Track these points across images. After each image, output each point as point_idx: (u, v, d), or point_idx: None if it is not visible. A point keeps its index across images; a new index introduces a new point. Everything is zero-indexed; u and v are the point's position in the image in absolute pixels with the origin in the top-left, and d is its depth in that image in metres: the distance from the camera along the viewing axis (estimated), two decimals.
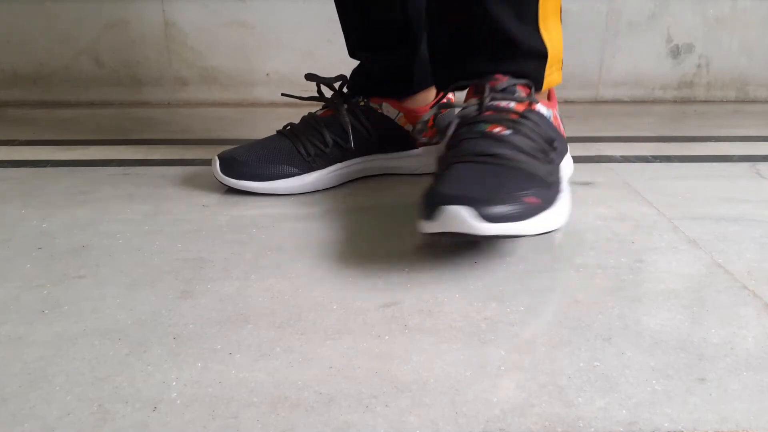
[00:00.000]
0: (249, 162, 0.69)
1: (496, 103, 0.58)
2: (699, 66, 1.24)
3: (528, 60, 0.62)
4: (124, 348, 0.42)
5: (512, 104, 0.59)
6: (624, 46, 1.21)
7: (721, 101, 1.26)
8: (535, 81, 0.63)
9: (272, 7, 1.15)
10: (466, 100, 0.62)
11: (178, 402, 0.37)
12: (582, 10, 1.17)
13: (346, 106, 0.72)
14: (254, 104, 1.20)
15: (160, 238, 0.58)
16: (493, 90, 0.59)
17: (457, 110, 0.60)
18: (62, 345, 0.42)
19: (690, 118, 1.12)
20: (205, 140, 0.94)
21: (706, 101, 1.25)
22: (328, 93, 0.77)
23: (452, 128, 0.58)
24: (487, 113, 0.58)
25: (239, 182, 0.69)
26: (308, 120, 0.73)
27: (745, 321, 0.46)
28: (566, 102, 1.23)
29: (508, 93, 0.60)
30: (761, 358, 0.41)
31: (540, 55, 0.63)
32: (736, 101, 1.26)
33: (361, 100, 0.72)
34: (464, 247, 0.57)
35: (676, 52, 1.22)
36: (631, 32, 1.20)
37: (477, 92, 0.61)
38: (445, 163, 0.55)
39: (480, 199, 0.47)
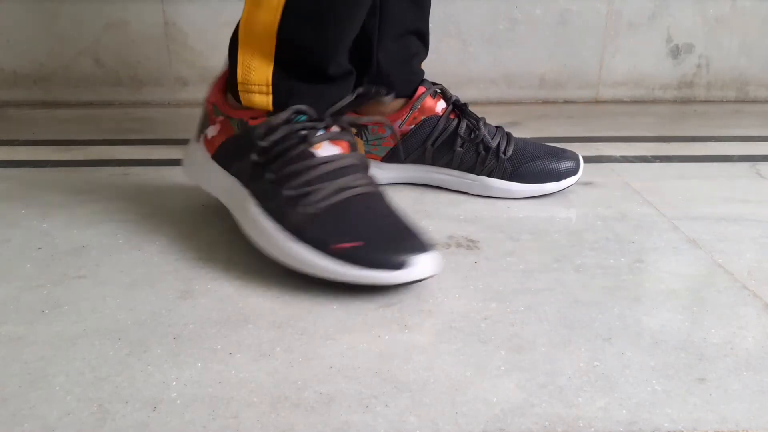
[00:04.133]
0: None
1: None
2: (699, 66, 1.24)
3: None
4: (124, 348, 0.42)
5: None
6: (624, 46, 1.20)
7: (721, 101, 1.26)
8: None
9: None
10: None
11: (178, 402, 0.37)
12: (582, 10, 1.17)
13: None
14: None
15: (160, 238, 0.58)
16: None
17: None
18: (62, 345, 0.42)
19: (690, 118, 1.12)
20: None
21: (706, 101, 1.25)
22: None
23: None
24: None
25: None
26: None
27: (745, 321, 0.46)
28: (566, 102, 1.23)
29: None
30: (761, 358, 0.41)
31: None
32: (736, 101, 1.26)
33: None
34: (463, 248, 0.57)
35: (676, 52, 1.22)
36: (631, 32, 1.20)
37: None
38: None
39: None
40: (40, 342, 0.42)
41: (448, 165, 0.71)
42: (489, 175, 0.70)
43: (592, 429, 0.35)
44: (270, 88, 0.52)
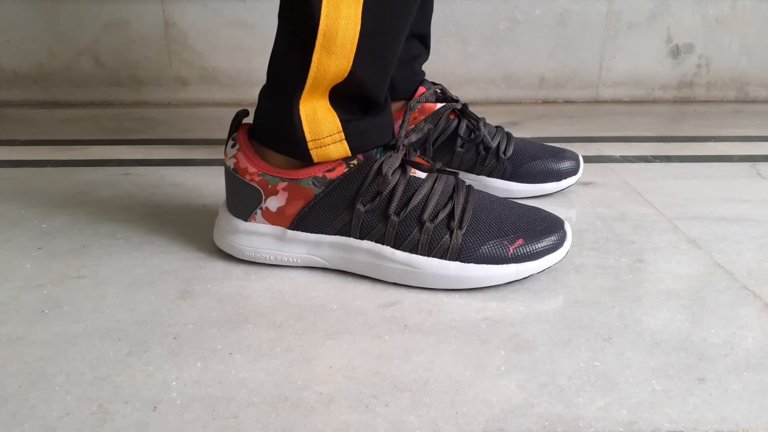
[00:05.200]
0: None
1: None
2: (699, 66, 1.23)
3: None
4: (124, 348, 0.42)
5: None
6: (624, 46, 1.20)
7: (721, 101, 1.26)
8: None
9: (272, 7, 1.15)
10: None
11: (178, 402, 0.37)
12: (582, 10, 1.17)
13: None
14: (254, 104, 1.20)
15: (160, 238, 0.58)
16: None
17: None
18: (62, 345, 0.42)
19: (690, 118, 1.12)
20: (205, 140, 0.94)
21: (706, 101, 1.25)
22: None
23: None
24: None
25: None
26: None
27: (745, 321, 0.46)
28: (566, 102, 1.23)
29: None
30: (761, 358, 0.41)
31: None
32: (736, 101, 1.26)
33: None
34: None
35: (676, 52, 1.22)
36: (631, 32, 1.20)
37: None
38: None
39: None
40: (40, 342, 0.42)
41: (448, 165, 0.71)
42: (489, 175, 0.70)
43: (592, 429, 0.35)
44: (342, 134, 0.49)
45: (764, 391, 0.38)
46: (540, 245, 0.49)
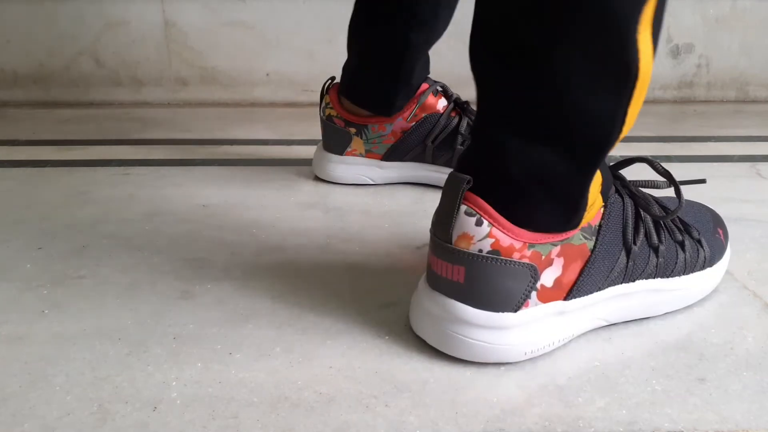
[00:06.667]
0: None
1: None
2: (699, 66, 1.23)
3: None
4: (124, 348, 0.42)
5: None
6: None
7: (721, 101, 1.25)
8: None
9: (272, 7, 1.15)
10: None
11: (178, 402, 0.37)
12: None
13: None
14: (254, 104, 1.20)
15: (160, 238, 0.58)
16: None
17: None
18: (62, 345, 0.42)
19: (690, 118, 1.12)
20: (205, 140, 0.94)
21: (706, 101, 1.25)
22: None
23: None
24: None
25: None
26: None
27: (745, 321, 0.46)
28: None
29: None
30: (761, 358, 0.41)
31: None
32: (736, 101, 1.26)
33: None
34: None
35: (676, 52, 1.22)
36: None
37: None
38: None
39: None
40: (40, 342, 0.42)
41: (448, 164, 0.71)
42: None
43: (592, 429, 0.35)
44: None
45: (764, 391, 0.38)
46: (723, 235, 0.51)
